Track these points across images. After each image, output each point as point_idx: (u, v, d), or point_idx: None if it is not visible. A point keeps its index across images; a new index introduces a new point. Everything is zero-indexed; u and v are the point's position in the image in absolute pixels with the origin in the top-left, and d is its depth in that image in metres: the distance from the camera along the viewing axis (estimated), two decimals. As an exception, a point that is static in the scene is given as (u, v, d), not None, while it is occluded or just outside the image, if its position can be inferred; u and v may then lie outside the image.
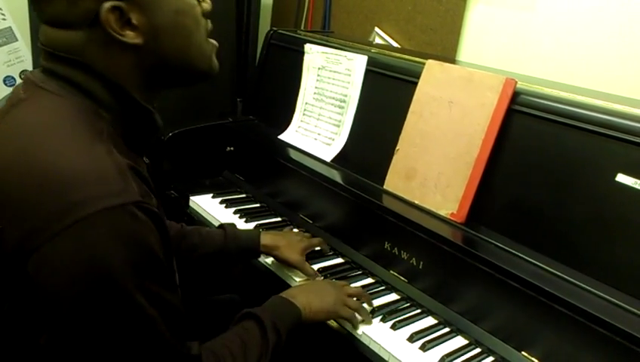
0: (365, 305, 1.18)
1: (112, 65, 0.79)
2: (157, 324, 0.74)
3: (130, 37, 0.77)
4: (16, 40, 1.90)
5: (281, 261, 1.31)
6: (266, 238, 1.32)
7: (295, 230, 1.50)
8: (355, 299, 1.16)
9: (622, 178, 1.02)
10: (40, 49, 0.81)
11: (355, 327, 1.12)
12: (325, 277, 1.30)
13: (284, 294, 1.08)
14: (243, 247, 1.30)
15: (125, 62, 0.80)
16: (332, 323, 1.16)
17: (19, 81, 2.15)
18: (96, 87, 0.79)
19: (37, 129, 0.74)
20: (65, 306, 0.69)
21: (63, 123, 0.75)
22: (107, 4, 0.74)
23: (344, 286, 1.18)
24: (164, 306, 0.75)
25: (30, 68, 2.10)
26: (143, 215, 0.72)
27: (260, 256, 1.34)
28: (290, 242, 1.32)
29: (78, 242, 0.67)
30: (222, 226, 1.34)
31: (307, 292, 1.11)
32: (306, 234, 1.42)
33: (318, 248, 1.38)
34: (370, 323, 1.15)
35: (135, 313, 0.72)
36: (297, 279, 1.30)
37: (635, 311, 0.95)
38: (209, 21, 0.88)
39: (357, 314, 1.14)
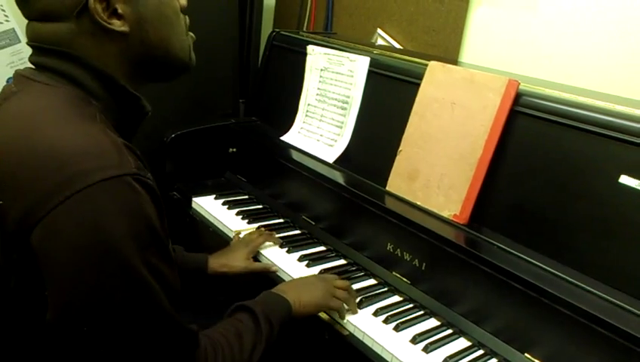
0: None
1: (99, 54, 0.82)
2: (157, 293, 0.76)
3: (117, 25, 0.81)
4: (20, 41, 1.90)
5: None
6: (214, 263, 1.35)
7: (297, 231, 1.51)
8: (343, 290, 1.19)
9: (625, 179, 1.02)
10: (29, 46, 0.84)
11: (342, 317, 1.15)
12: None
13: (274, 289, 1.12)
14: (189, 269, 1.32)
15: (112, 51, 0.83)
16: (335, 325, 1.16)
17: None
18: (85, 77, 0.82)
19: (32, 113, 0.77)
20: (68, 276, 0.70)
21: (56, 107, 0.78)
22: None
23: (332, 280, 1.20)
24: (162, 277, 0.77)
25: (33, 69, 2.09)
26: (140, 187, 0.74)
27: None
28: (235, 256, 1.36)
29: (78, 213, 0.69)
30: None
31: (296, 286, 1.14)
32: (253, 234, 1.43)
33: (270, 243, 1.42)
34: (356, 312, 1.17)
35: (135, 279, 0.73)
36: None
37: (639, 312, 0.95)
38: (187, 17, 0.92)
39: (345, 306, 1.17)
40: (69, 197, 0.68)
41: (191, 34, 0.93)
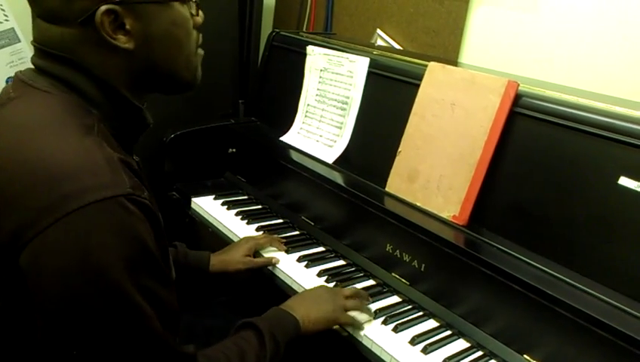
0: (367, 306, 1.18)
1: (101, 64, 0.80)
2: (150, 318, 0.74)
3: (122, 41, 0.78)
4: (19, 41, 1.91)
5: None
6: (215, 261, 1.34)
7: (296, 231, 1.51)
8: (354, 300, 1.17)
9: (625, 181, 1.02)
10: (33, 46, 0.82)
11: (359, 329, 1.13)
12: (327, 279, 1.30)
13: (282, 306, 1.09)
14: (191, 267, 1.31)
15: (114, 63, 0.81)
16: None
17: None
18: (85, 84, 0.80)
19: (27, 125, 0.75)
20: (57, 299, 0.68)
21: (52, 118, 0.75)
22: (103, 7, 0.75)
23: (341, 291, 1.18)
24: (157, 301, 0.75)
25: (32, 69, 2.09)
26: (134, 207, 0.72)
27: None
28: (234, 253, 1.36)
29: (69, 234, 0.67)
30: (173, 245, 1.33)
31: (305, 302, 1.12)
32: (258, 236, 1.44)
33: (273, 248, 1.41)
34: (372, 318, 1.15)
35: (127, 305, 0.71)
36: (295, 281, 1.29)
37: (638, 314, 0.95)
38: (200, 34, 0.89)
39: (358, 314, 1.15)
40: (60, 219, 0.66)
41: (200, 51, 0.90)
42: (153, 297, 0.74)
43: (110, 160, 0.73)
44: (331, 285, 1.27)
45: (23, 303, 0.71)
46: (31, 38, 0.84)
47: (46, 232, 0.67)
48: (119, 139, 0.83)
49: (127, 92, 0.84)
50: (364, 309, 1.16)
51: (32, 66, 0.83)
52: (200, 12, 0.89)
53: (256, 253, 1.40)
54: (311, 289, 1.21)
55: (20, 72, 0.83)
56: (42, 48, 0.80)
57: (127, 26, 0.78)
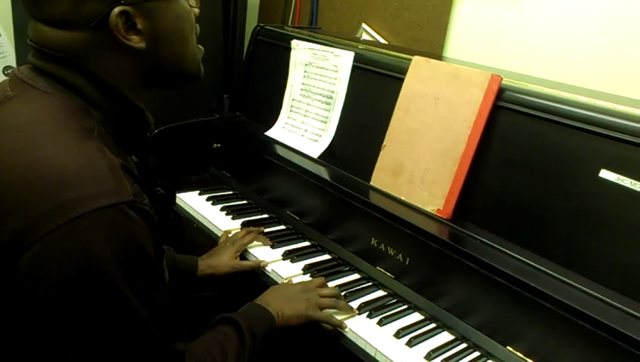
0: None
1: (110, 66, 0.80)
2: (147, 323, 0.75)
3: (135, 41, 0.79)
4: None
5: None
6: (203, 265, 1.31)
7: (282, 226, 1.51)
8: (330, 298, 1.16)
9: (605, 174, 1.03)
10: (29, 46, 0.81)
11: (339, 326, 1.12)
12: (312, 274, 1.30)
13: (258, 301, 1.10)
14: (179, 271, 1.28)
15: (123, 64, 0.81)
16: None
17: (1, 76, 2.13)
18: (86, 86, 0.79)
19: (28, 128, 0.74)
20: (56, 303, 0.69)
21: (53, 121, 0.75)
22: (117, 9, 0.75)
23: (317, 288, 1.18)
24: (154, 306, 0.76)
25: (13, 63, 2.07)
26: (136, 214, 0.72)
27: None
28: (221, 256, 1.34)
29: (70, 241, 0.67)
30: None
31: (280, 298, 1.12)
32: (240, 233, 1.41)
33: (258, 242, 1.39)
34: (352, 314, 1.15)
35: (126, 312, 0.72)
36: (279, 276, 1.29)
37: (619, 305, 0.96)
38: (198, 25, 0.90)
39: (337, 313, 1.15)
40: (62, 226, 0.66)
41: (200, 47, 0.91)
42: (150, 302, 0.75)
43: (112, 166, 0.73)
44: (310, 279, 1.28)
45: (19, 305, 0.71)
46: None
47: (47, 238, 0.66)
48: (120, 139, 0.83)
49: (129, 92, 0.84)
50: (343, 306, 1.16)
51: (28, 65, 0.82)
52: (197, 3, 0.89)
53: (243, 253, 1.38)
54: (285, 285, 1.22)
55: (18, 69, 0.82)
56: (42, 49, 0.79)
57: (139, 26, 0.78)
